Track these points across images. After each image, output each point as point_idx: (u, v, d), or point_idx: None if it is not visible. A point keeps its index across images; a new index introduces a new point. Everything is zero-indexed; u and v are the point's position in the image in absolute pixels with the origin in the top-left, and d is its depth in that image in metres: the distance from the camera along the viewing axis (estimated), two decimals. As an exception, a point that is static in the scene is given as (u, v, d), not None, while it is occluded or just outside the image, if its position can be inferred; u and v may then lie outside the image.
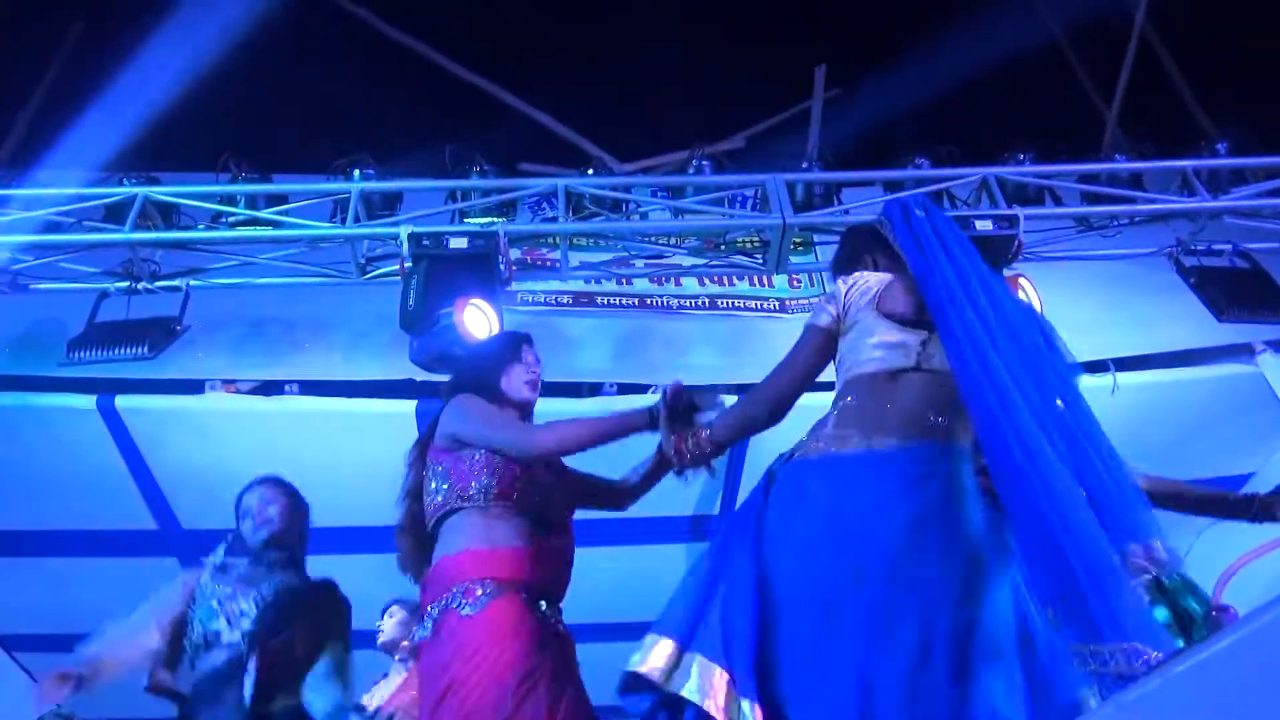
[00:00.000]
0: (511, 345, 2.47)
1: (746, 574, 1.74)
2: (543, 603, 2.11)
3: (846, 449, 1.78)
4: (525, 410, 2.39)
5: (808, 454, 1.85)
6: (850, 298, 1.96)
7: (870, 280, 1.98)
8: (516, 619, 2.01)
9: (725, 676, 1.63)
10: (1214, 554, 4.84)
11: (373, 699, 3.75)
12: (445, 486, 2.16)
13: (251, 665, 2.26)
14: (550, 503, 2.26)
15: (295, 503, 2.74)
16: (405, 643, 3.76)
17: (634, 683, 1.74)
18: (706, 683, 1.64)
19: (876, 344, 1.87)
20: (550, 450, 2.18)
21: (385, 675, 3.84)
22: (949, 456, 1.75)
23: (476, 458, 2.15)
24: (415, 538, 2.26)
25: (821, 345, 1.96)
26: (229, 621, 2.39)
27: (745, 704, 1.60)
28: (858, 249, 2.15)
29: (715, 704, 1.61)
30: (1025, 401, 1.63)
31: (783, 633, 1.67)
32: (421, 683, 2.05)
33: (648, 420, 2.07)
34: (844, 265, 2.15)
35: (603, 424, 2.15)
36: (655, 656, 1.71)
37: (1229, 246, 4.67)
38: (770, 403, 1.96)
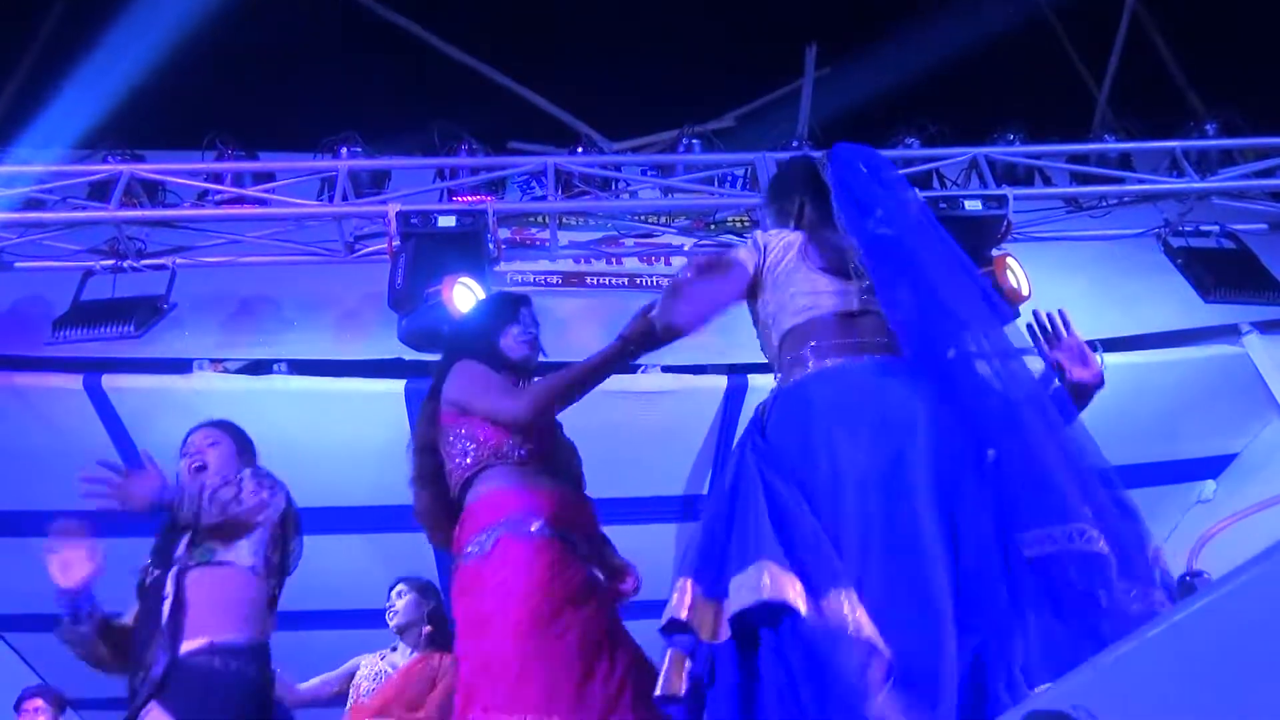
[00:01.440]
0: (509, 306, 2.45)
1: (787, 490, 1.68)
2: (588, 556, 2.13)
3: (836, 364, 1.79)
4: (524, 370, 2.38)
5: (802, 374, 1.83)
6: (773, 251, 1.97)
7: (789, 237, 2.00)
8: (569, 563, 2.02)
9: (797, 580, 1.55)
10: (1198, 530, 4.88)
11: (360, 678, 3.73)
12: (474, 446, 2.15)
13: (169, 588, 2.22)
14: (573, 465, 2.28)
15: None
16: (427, 627, 3.75)
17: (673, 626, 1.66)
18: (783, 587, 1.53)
19: (814, 292, 1.89)
20: (535, 411, 2.12)
21: (393, 648, 3.81)
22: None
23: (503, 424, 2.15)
24: (434, 489, 2.24)
25: (738, 272, 1.94)
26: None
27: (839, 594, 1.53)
28: (792, 186, 2.14)
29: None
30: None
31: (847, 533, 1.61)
32: (468, 595, 2.01)
33: (619, 350, 2.06)
34: (776, 195, 2.17)
35: (579, 368, 2.13)
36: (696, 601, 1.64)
37: (1216, 227, 4.70)
38: (693, 302, 1.88)
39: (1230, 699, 0.72)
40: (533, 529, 2.02)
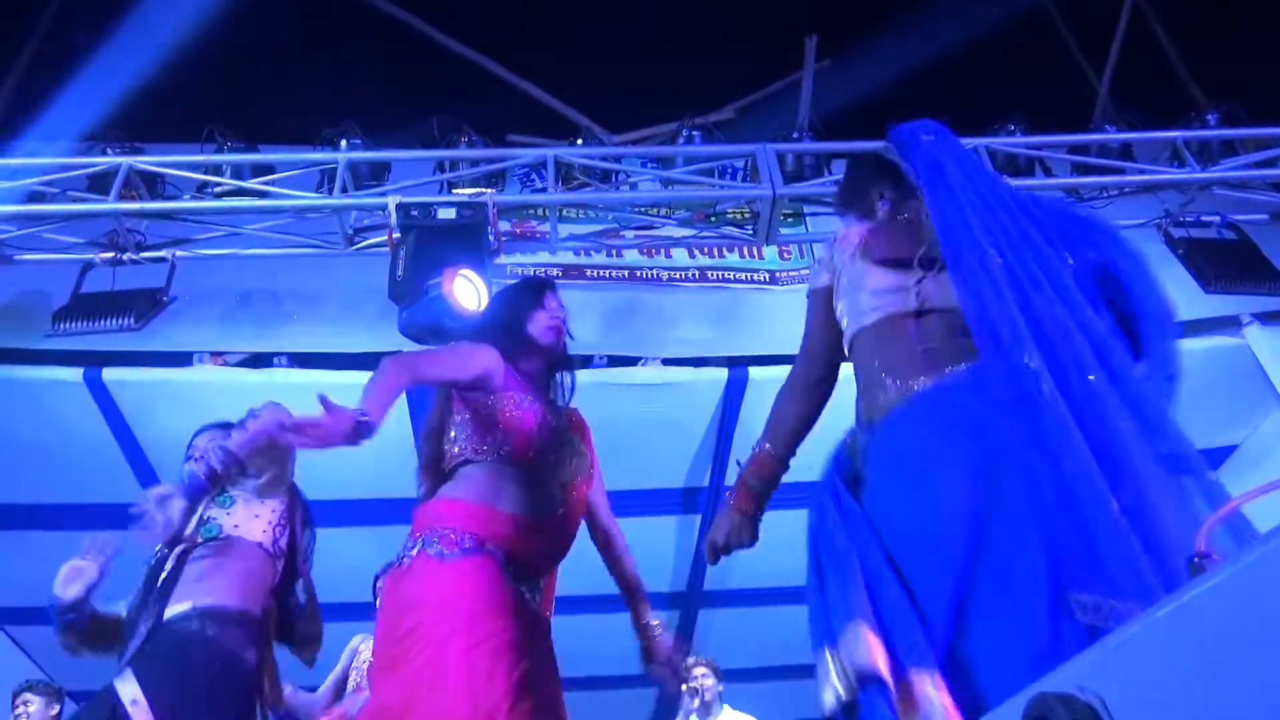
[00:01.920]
0: (535, 291, 2.40)
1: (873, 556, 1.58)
2: (520, 576, 2.07)
3: (917, 390, 1.67)
4: (554, 354, 2.35)
5: (885, 405, 1.71)
6: (838, 254, 1.92)
7: (852, 233, 1.92)
8: (488, 580, 1.98)
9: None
10: (1199, 523, 4.86)
11: (365, 661, 3.72)
12: (463, 437, 2.14)
13: (170, 564, 2.19)
14: (566, 472, 2.22)
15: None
16: None
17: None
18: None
19: (874, 290, 1.79)
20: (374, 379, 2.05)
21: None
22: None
23: (492, 415, 2.12)
24: (434, 477, 2.21)
25: (829, 305, 1.91)
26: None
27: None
28: (866, 183, 2.00)
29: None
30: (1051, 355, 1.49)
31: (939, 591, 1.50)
32: (383, 610, 2.02)
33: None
34: (851, 200, 2.03)
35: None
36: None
37: (1217, 218, 4.69)
38: (806, 387, 1.93)
39: (1239, 680, 0.72)
40: (452, 550, 1.98)
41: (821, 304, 1.93)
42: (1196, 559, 0.88)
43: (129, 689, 1.99)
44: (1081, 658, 0.81)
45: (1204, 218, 4.68)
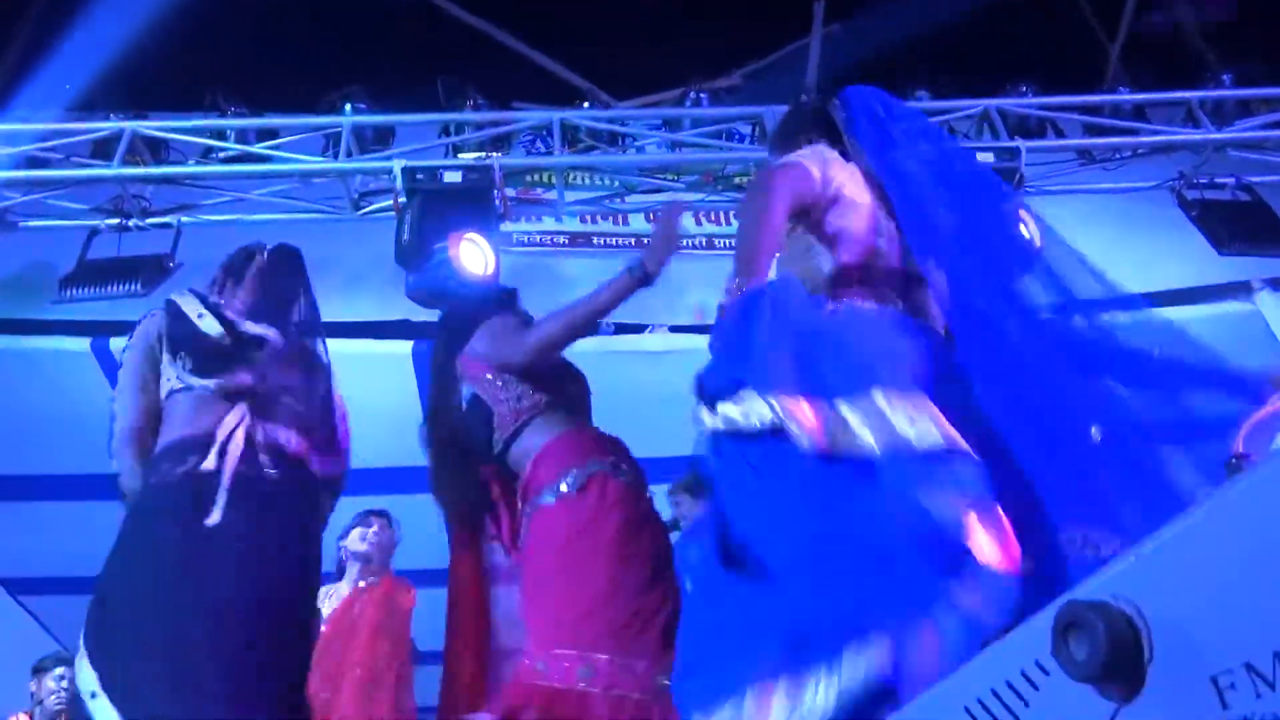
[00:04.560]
0: (500, 300, 2.41)
1: None
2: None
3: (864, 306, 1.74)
4: None
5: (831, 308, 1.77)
6: (832, 166, 1.79)
7: (847, 165, 1.82)
8: (642, 493, 2.09)
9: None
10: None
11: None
12: (516, 395, 2.14)
13: None
14: (586, 401, 2.30)
15: None
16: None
17: None
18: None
19: (885, 234, 1.78)
20: (543, 345, 2.10)
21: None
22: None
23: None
24: (458, 453, 2.24)
25: (806, 192, 1.74)
26: None
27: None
28: (798, 128, 1.97)
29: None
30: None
31: None
32: (566, 531, 1.99)
33: (628, 281, 2.01)
34: (780, 143, 1.99)
35: (588, 303, 2.08)
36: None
37: (1231, 180, 4.64)
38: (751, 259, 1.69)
39: (1275, 582, 0.70)
40: (627, 469, 2.06)
41: (801, 186, 1.74)
42: (1234, 460, 0.87)
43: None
44: (1113, 566, 0.80)
45: (1218, 179, 4.63)
